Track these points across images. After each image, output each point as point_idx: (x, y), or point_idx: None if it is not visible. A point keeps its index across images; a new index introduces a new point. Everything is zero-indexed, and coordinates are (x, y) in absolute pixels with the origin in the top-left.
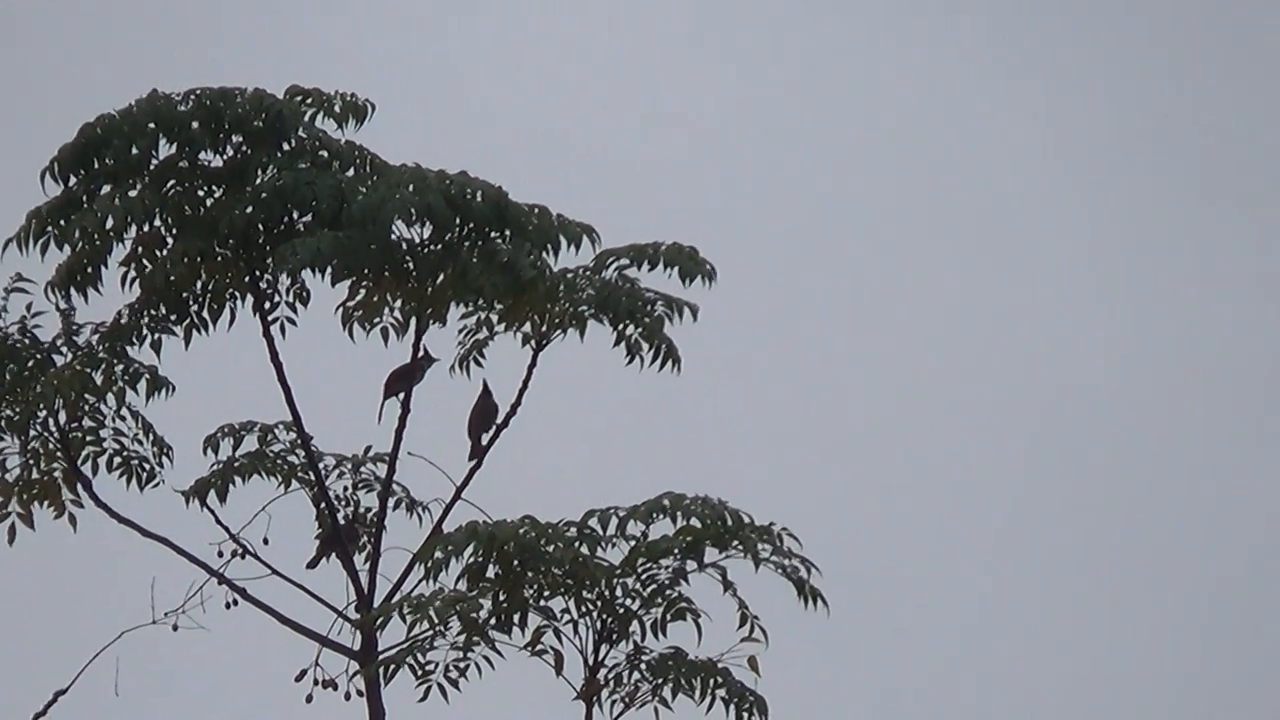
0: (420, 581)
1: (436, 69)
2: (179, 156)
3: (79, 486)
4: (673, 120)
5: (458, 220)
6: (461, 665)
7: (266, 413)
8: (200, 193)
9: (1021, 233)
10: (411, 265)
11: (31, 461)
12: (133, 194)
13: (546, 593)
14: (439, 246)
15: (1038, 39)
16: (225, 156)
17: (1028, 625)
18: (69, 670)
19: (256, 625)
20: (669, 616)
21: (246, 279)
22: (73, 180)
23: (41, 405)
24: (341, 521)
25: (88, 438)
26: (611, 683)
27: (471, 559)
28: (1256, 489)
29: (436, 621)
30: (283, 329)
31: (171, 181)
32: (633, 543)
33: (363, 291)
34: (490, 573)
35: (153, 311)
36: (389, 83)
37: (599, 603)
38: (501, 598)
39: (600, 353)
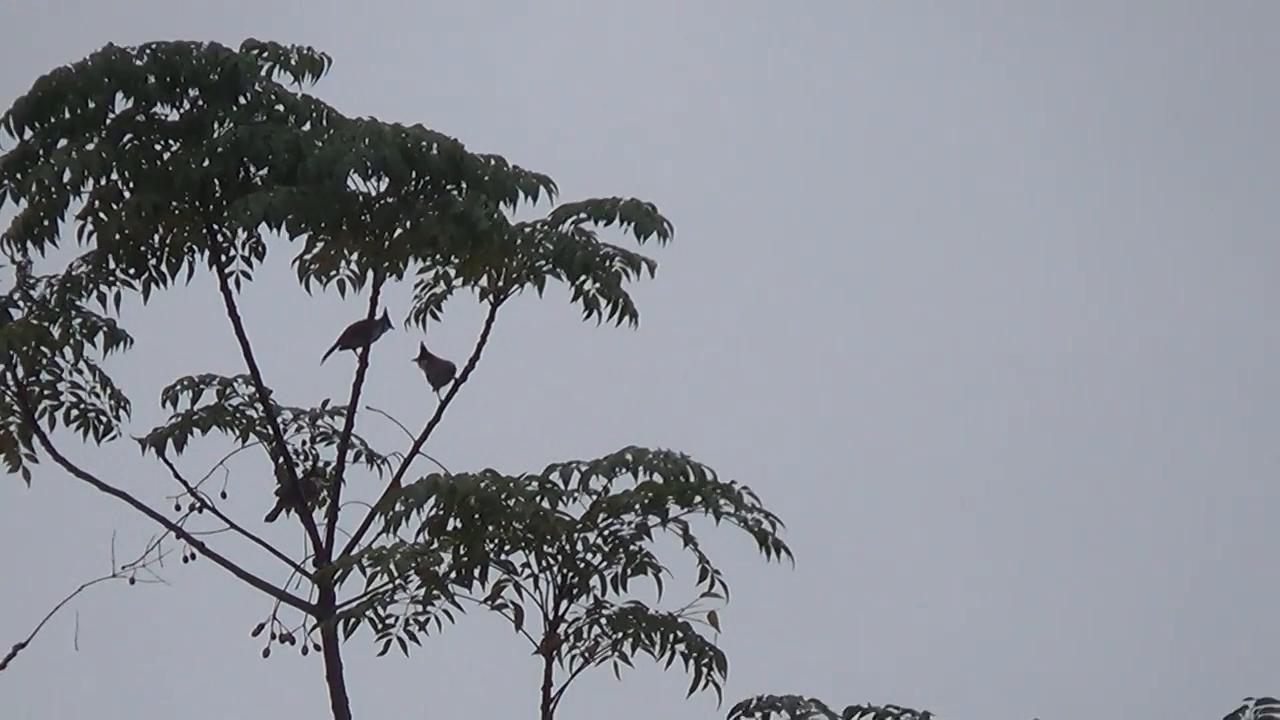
0: (379, 535)
1: (399, 22)
2: (135, 110)
3: (36, 440)
4: (650, 95)
5: (413, 173)
6: (421, 619)
7: (225, 366)
8: (157, 146)
9: (1004, 213)
10: (368, 218)
11: None
12: (89, 148)
13: (507, 547)
14: (395, 200)
15: (1023, 22)
16: (182, 110)
17: (993, 589)
18: (28, 624)
19: (215, 579)
20: (630, 571)
21: (204, 233)
22: (28, 133)
23: None
24: (300, 475)
25: (45, 391)
26: (572, 637)
27: (432, 512)
28: (1243, 473)
29: (396, 575)
30: (238, 283)
31: (128, 135)
32: (594, 497)
33: (320, 245)
34: (451, 526)
35: (110, 265)
36: (348, 37)
37: (560, 557)
38: (462, 551)
39: (559, 307)
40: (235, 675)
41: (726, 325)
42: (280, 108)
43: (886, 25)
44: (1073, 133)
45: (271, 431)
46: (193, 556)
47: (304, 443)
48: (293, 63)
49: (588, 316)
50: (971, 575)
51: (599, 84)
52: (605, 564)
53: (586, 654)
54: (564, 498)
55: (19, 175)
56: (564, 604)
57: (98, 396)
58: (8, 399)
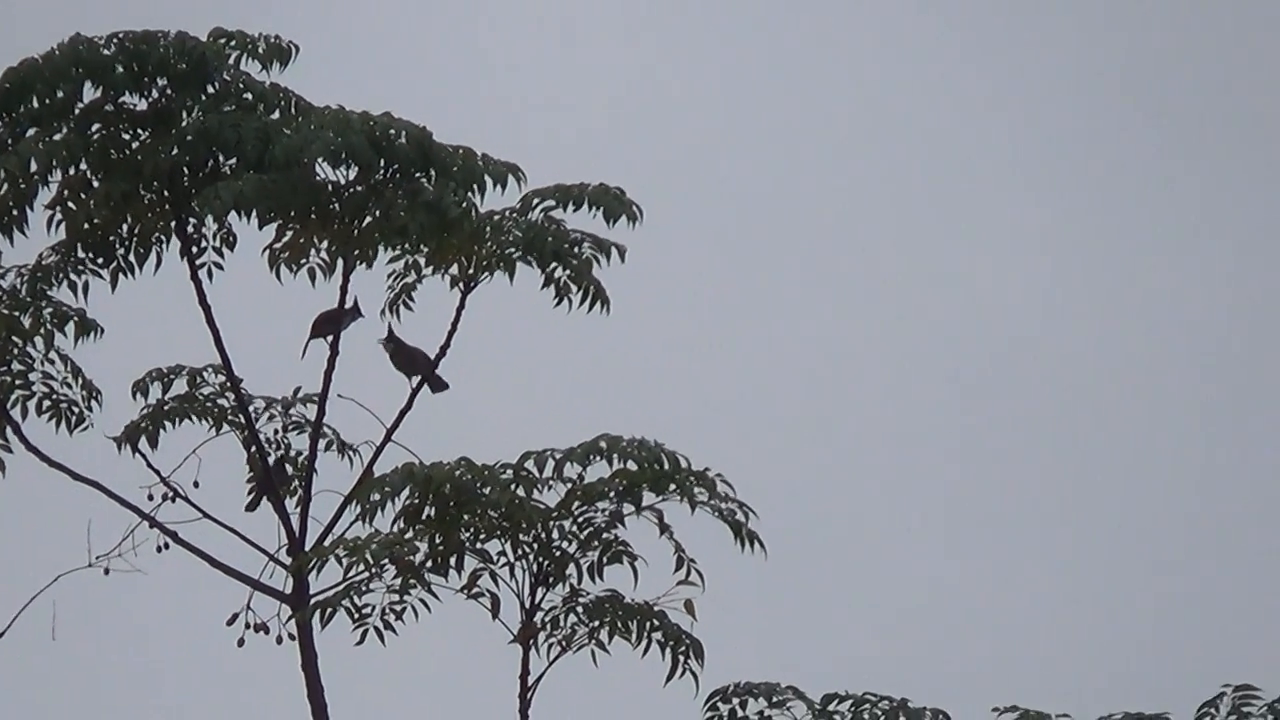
0: (352, 524)
1: (367, 11)
2: (104, 100)
3: (8, 430)
4: (626, 77)
5: (381, 161)
6: (398, 608)
7: (195, 356)
8: (125, 136)
9: (988, 205)
10: (337, 207)
11: None
12: (57, 137)
13: (483, 535)
14: (364, 188)
15: (1008, 12)
16: (150, 99)
17: (970, 577)
18: (5, 614)
19: (189, 569)
20: (605, 559)
21: (173, 222)
22: None
23: None
24: (271, 463)
25: (16, 382)
26: (548, 626)
27: (407, 501)
28: (1217, 451)
29: (372, 564)
30: (210, 273)
31: (96, 125)
32: (569, 485)
33: (289, 234)
34: (426, 515)
35: (79, 255)
36: (315, 24)
37: (535, 545)
38: (438, 540)
39: (531, 295)
40: (210, 665)
41: (701, 311)
42: (249, 96)
43: (873, 11)
44: (1064, 126)
45: (243, 420)
46: (166, 546)
47: (276, 431)
48: (261, 51)
49: (559, 303)
50: (951, 563)
51: (573, 65)
52: (581, 552)
53: (563, 642)
54: (539, 485)
55: None
56: (540, 592)
57: (69, 387)
58: None
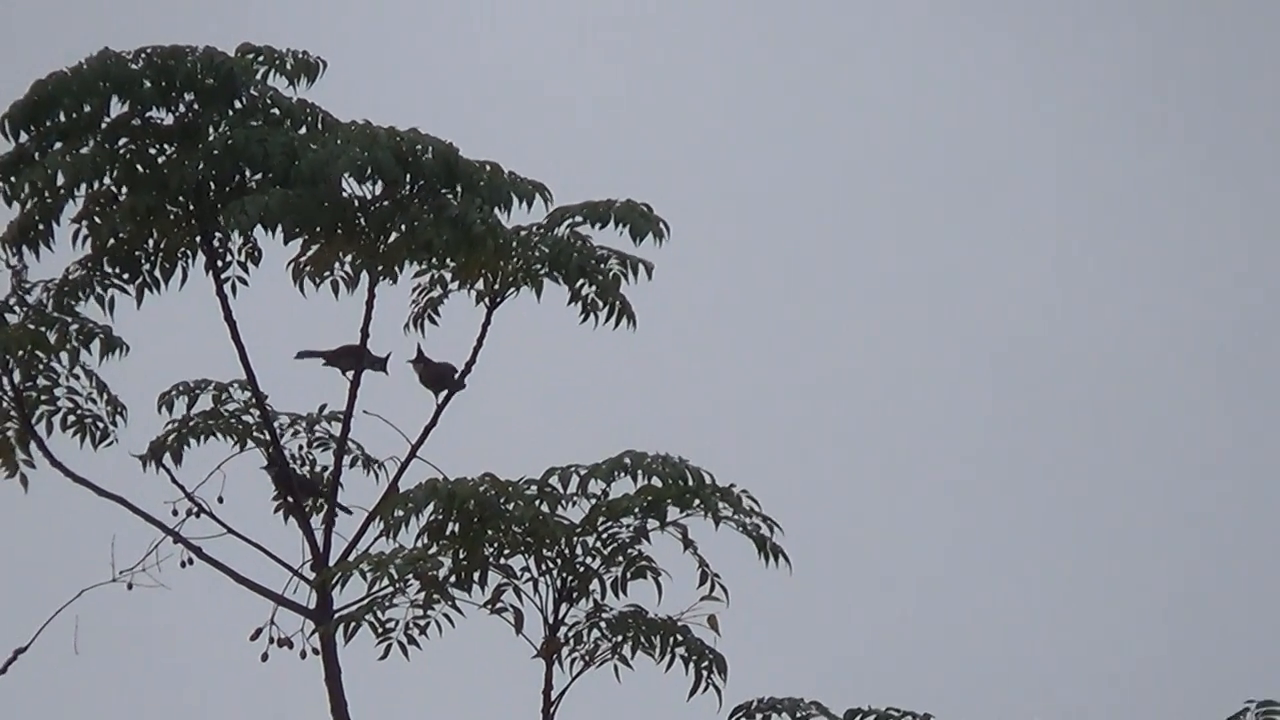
0: (375, 540)
1: (392, 28)
2: (131, 114)
3: (33, 446)
4: (651, 93)
5: (407, 176)
6: (421, 623)
7: (221, 371)
8: (152, 150)
9: (1002, 205)
10: (362, 222)
11: None
12: (84, 151)
13: (506, 551)
14: (389, 203)
15: (1026, 13)
16: (177, 114)
17: (992, 590)
18: (29, 628)
19: (213, 584)
20: (629, 575)
21: (198, 237)
22: (24, 136)
23: None
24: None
25: (42, 397)
26: (571, 641)
27: (431, 517)
28: (1231, 455)
29: (397, 579)
30: (234, 288)
31: (123, 139)
32: (593, 501)
33: (314, 248)
34: (450, 530)
35: (104, 269)
36: (345, 40)
37: (559, 561)
38: (461, 555)
39: (557, 310)
40: (234, 679)
41: (725, 327)
42: (275, 111)
43: (886, 19)
44: (1075, 126)
45: (268, 436)
46: (190, 561)
47: (301, 447)
48: (288, 66)
49: (585, 319)
50: (975, 577)
51: (597, 79)
52: (604, 567)
53: (586, 657)
54: (563, 501)
55: (13, 179)
56: (564, 608)
57: (94, 402)
58: (5, 404)
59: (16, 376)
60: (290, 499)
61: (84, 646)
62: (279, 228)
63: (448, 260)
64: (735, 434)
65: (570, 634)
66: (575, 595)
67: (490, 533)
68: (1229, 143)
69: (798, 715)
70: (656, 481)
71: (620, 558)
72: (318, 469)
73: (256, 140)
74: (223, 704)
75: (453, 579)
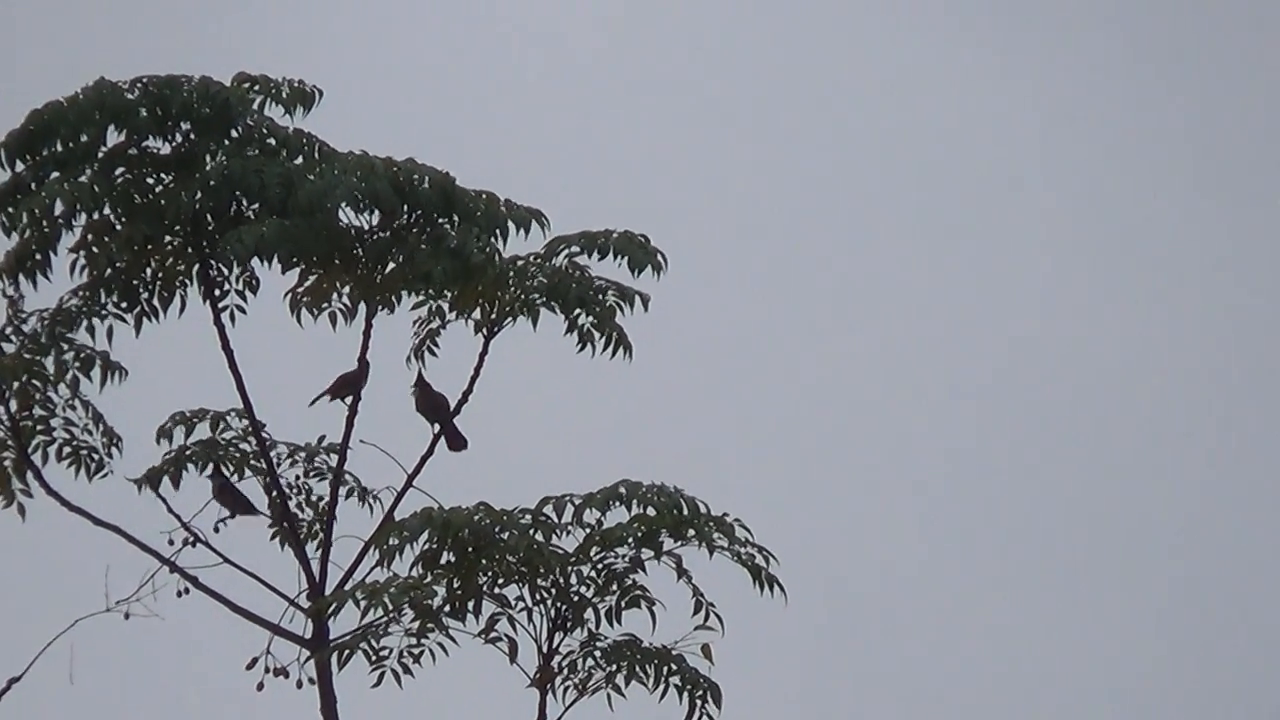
0: (372, 569)
1: (388, 56)
2: (127, 144)
3: (30, 475)
4: (640, 110)
5: (405, 206)
6: (415, 652)
7: (218, 400)
8: (149, 180)
9: (998, 220)
10: (360, 252)
11: None
12: (81, 180)
13: (501, 580)
14: (387, 233)
15: (1021, 26)
16: (173, 144)
17: (992, 620)
18: (23, 657)
19: (209, 613)
20: (624, 604)
21: (196, 266)
22: (20, 166)
23: None
24: (293, 509)
25: (38, 427)
26: (566, 670)
27: (426, 545)
28: (1238, 478)
29: (391, 608)
30: (232, 317)
31: (120, 168)
32: (588, 530)
33: (311, 278)
34: (444, 560)
35: (102, 299)
36: (338, 69)
37: (554, 590)
38: (456, 585)
39: (553, 340)
40: (230, 709)
41: (720, 356)
42: (272, 141)
43: (881, 34)
44: (1071, 138)
45: (265, 466)
46: (186, 591)
47: (297, 477)
48: (284, 96)
49: (581, 349)
50: (972, 606)
51: (589, 105)
52: (599, 597)
53: (580, 686)
54: (558, 531)
55: (10, 208)
56: (558, 637)
57: (90, 433)
58: (1, 434)
59: (13, 405)
60: (287, 525)
61: (79, 676)
62: (276, 257)
63: (445, 291)
64: (730, 463)
65: (564, 663)
66: (570, 624)
67: (485, 562)
68: (1230, 153)
69: None
70: (651, 511)
71: (615, 587)
72: (314, 498)
73: (253, 170)
74: None
75: (447, 608)
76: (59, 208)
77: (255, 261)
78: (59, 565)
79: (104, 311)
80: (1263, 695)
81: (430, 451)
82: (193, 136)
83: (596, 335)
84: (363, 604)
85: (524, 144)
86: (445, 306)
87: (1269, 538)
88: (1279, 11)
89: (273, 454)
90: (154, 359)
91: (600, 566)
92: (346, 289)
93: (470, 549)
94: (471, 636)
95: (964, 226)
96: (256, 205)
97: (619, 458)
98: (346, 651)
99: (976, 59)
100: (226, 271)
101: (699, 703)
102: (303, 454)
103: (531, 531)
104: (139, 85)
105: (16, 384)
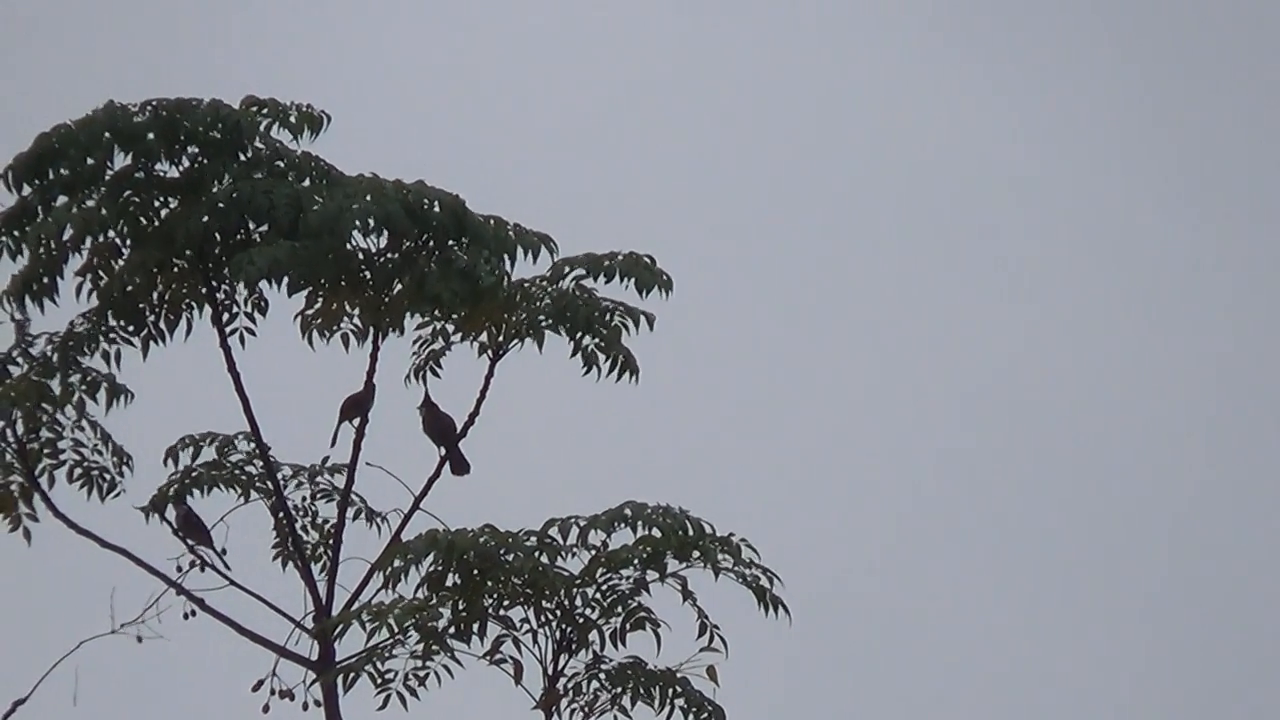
0: (378, 591)
1: (394, 78)
2: (135, 167)
3: (37, 498)
4: (643, 126)
5: (415, 229)
6: (421, 674)
7: (224, 423)
8: (157, 203)
9: (1003, 240)
10: (369, 275)
11: None
12: (89, 204)
13: (506, 602)
14: (396, 256)
15: (1025, 40)
16: (182, 167)
17: (996, 643)
18: (28, 679)
19: (215, 635)
20: (628, 626)
21: (204, 289)
22: (27, 189)
23: None
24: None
25: (45, 450)
26: (571, 692)
27: (431, 568)
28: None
29: (396, 630)
30: (241, 339)
31: (128, 192)
32: (593, 552)
33: (320, 301)
34: (450, 581)
35: (109, 322)
36: (346, 93)
37: (558, 612)
38: (461, 607)
39: (558, 363)
40: None
41: (725, 377)
42: (280, 164)
43: (887, 53)
44: (1072, 142)
45: (271, 488)
46: (193, 613)
47: (304, 499)
48: (292, 120)
49: (587, 372)
50: (976, 627)
51: (599, 131)
52: (604, 619)
53: (586, 709)
54: (563, 553)
55: (17, 232)
56: (563, 659)
57: (100, 454)
58: (8, 457)
59: (20, 429)
60: (293, 547)
61: (83, 698)
62: (286, 279)
63: (453, 314)
64: (735, 484)
65: (569, 685)
66: (575, 646)
67: (490, 584)
68: (1226, 164)
69: None
70: (656, 532)
71: (620, 609)
72: (319, 520)
73: (262, 193)
74: None
75: (452, 630)
76: (69, 232)
77: (264, 284)
78: (65, 587)
79: (112, 335)
80: (1262, 697)
81: (437, 474)
82: (201, 160)
83: (601, 357)
84: (368, 626)
85: (525, 164)
86: (450, 328)
87: (1266, 538)
88: None
89: (278, 476)
90: (161, 382)
91: (605, 588)
92: (357, 311)
93: (475, 571)
94: (477, 658)
95: (971, 245)
96: (264, 228)
97: (624, 479)
98: (352, 674)
99: (980, 71)
100: (234, 294)
101: None
102: (306, 474)
103: (537, 553)
104: (148, 108)
105: (28, 404)
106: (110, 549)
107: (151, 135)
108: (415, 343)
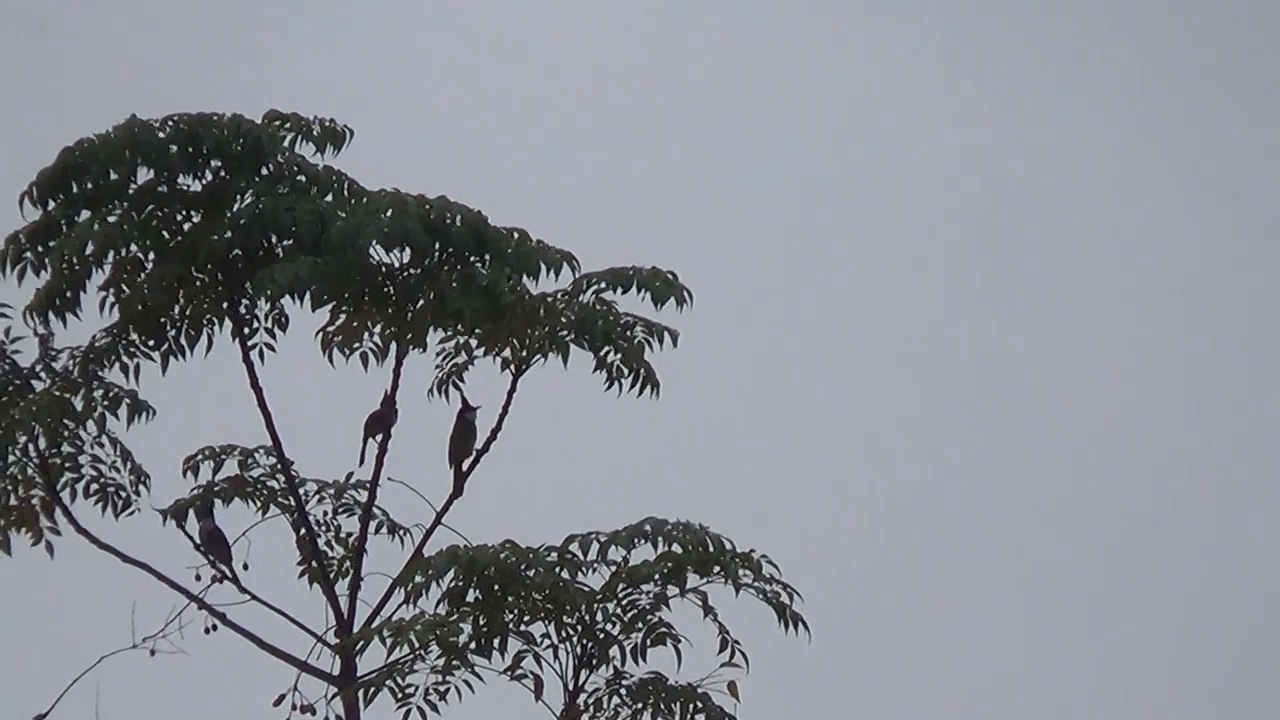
0: (400, 606)
1: (416, 91)
2: (158, 181)
3: (58, 512)
4: (657, 136)
5: (436, 245)
6: (441, 689)
7: (247, 438)
8: (179, 218)
9: (1004, 242)
10: (391, 290)
11: (10, 488)
12: (112, 219)
13: (527, 617)
14: (418, 271)
15: (1026, 41)
16: (204, 182)
17: (1012, 657)
18: (49, 695)
19: (236, 650)
20: (649, 642)
21: (225, 304)
22: (51, 204)
23: (20, 431)
24: (322, 546)
25: (66, 464)
26: (591, 708)
27: (452, 583)
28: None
29: (417, 645)
30: (262, 354)
31: (150, 206)
32: (614, 568)
33: (342, 316)
34: (471, 597)
35: (131, 337)
36: (368, 107)
37: (579, 627)
38: (482, 622)
39: (581, 377)
40: None
41: (746, 394)
42: (302, 179)
43: (901, 63)
44: (1075, 147)
45: (293, 503)
46: (214, 628)
47: (326, 514)
48: (315, 134)
49: (609, 387)
50: (996, 644)
51: (613, 145)
52: (624, 634)
53: None
54: (583, 568)
55: (40, 247)
56: (584, 674)
57: (118, 471)
58: (30, 471)
59: (42, 443)
60: (315, 563)
61: (105, 713)
62: (308, 295)
63: (474, 327)
64: (757, 500)
65: (590, 700)
66: (595, 662)
67: (511, 599)
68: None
69: None
70: (677, 548)
71: (640, 624)
72: (343, 534)
73: (284, 208)
74: None
75: (473, 645)
76: (91, 247)
77: (285, 299)
78: (86, 602)
79: (133, 350)
80: (1263, 697)
81: (459, 490)
82: (223, 174)
83: (625, 372)
84: (389, 641)
85: (546, 177)
86: (473, 343)
87: (1266, 539)
88: None
89: (300, 491)
90: (183, 397)
91: (626, 604)
92: (378, 328)
93: (496, 586)
94: (497, 674)
95: (971, 247)
96: (287, 243)
97: (644, 495)
98: (373, 689)
99: (986, 73)
100: (255, 309)
101: None
102: (331, 491)
103: (557, 569)
104: (170, 123)
105: (49, 419)
106: (131, 564)
107: (173, 150)
108: (438, 355)
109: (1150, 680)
